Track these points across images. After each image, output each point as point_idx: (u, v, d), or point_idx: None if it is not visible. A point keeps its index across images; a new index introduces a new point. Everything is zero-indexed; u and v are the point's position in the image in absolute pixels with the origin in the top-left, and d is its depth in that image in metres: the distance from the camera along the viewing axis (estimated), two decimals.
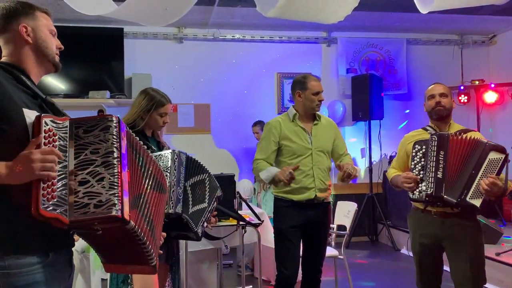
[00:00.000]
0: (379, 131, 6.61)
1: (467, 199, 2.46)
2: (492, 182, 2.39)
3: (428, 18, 5.86)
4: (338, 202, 4.40)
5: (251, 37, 6.50)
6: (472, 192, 2.46)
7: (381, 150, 6.69)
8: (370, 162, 6.50)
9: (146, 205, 1.58)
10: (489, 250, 4.48)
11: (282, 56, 6.61)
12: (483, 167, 2.47)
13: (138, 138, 1.63)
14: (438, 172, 2.53)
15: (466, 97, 6.72)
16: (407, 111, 6.89)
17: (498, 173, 2.45)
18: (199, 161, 2.41)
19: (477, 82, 6.66)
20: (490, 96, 6.58)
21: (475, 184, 2.46)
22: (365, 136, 6.67)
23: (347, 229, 4.06)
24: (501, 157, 2.46)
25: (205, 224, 2.40)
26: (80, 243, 3.91)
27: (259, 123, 5.67)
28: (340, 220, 4.20)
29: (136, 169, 1.57)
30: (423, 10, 3.16)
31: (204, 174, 2.41)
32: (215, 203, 2.45)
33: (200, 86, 6.35)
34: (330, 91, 6.58)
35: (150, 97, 2.53)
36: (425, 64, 6.94)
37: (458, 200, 2.48)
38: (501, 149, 2.48)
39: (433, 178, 2.54)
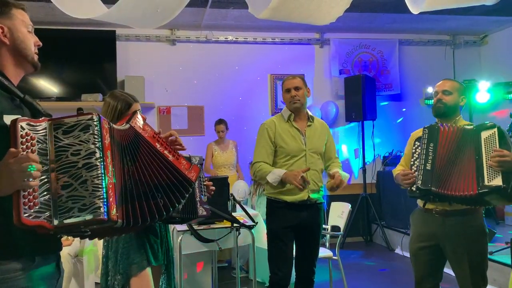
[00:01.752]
0: (373, 131, 6.63)
1: (486, 184, 2.32)
2: (497, 153, 2.31)
3: (419, 19, 5.90)
4: (332, 203, 4.40)
5: (244, 38, 6.50)
6: (487, 175, 2.33)
7: (374, 150, 6.71)
8: (364, 163, 6.51)
9: (150, 191, 1.57)
10: None
11: (275, 57, 6.62)
12: (482, 149, 2.39)
13: (120, 128, 1.58)
14: (427, 164, 2.49)
15: None
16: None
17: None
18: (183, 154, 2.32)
19: (469, 82, 6.70)
20: (482, 96, 6.61)
21: (485, 167, 2.35)
22: (359, 137, 6.68)
23: (341, 229, 4.06)
24: (494, 131, 2.40)
25: (205, 197, 2.27)
26: (73, 247, 3.89)
27: (223, 122, 5.66)
28: (334, 221, 4.21)
29: (125, 163, 1.55)
30: (414, 10, 3.16)
31: None
32: (200, 172, 2.34)
33: (194, 88, 6.34)
34: (323, 92, 6.61)
35: (114, 103, 2.41)
36: (418, 65, 6.98)
37: (479, 191, 2.32)
38: (489, 126, 2.44)
39: (422, 171, 2.50)
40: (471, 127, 2.52)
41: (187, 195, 1.68)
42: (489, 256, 4.26)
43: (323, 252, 3.87)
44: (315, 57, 6.78)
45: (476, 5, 3.36)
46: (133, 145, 1.62)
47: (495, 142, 2.38)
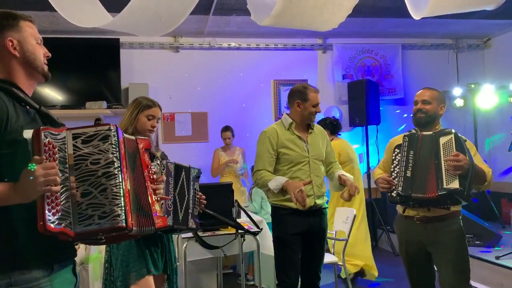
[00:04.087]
0: (377, 136, 6.62)
1: (445, 186, 2.45)
2: (453, 158, 2.42)
3: (422, 23, 5.89)
4: (337, 208, 4.39)
5: (247, 45, 6.53)
6: (446, 178, 2.46)
7: (378, 155, 6.69)
8: (368, 168, 6.50)
9: (146, 202, 1.65)
10: (489, 253, 4.48)
11: (278, 63, 6.63)
12: (441, 154, 2.51)
13: (129, 138, 1.67)
14: (407, 171, 2.58)
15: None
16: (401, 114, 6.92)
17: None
18: (184, 164, 2.40)
19: (472, 86, 6.69)
20: (486, 100, 6.59)
21: (444, 171, 2.48)
22: (363, 142, 6.68)
23: (346, 235, 4.05)
24: (451, 137, 2.52)
25: (196, 210, 2.40)
26: (79, 255, 3.89)
27: (229, 129, 5.65)
28: (339, 226, 4.20)
29: (135, 173, 1.61)
30: (416, 16, 3.16)
31: (183, 173, 2.38)
32: (195, 184, 2.43)
33: (197, 94, 6.37)
34: (326, 97, 6.61)
35: (138, 102, 2.56)
36: (421, 69, 6.98)
37: (438, 194, 2.46)
38: (447, 132, 2.56)
39: (402, 178, 2.59)
40: (431, 132, 2.64)
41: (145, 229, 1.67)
42: (495, 260, 4.27)
43: (329, 257, 3.86)
44: (318, 63, 6.79)
45: (478, 10, 3.36)
46: (133, 157, 1.68)
47: (452, 147, 2.50)
